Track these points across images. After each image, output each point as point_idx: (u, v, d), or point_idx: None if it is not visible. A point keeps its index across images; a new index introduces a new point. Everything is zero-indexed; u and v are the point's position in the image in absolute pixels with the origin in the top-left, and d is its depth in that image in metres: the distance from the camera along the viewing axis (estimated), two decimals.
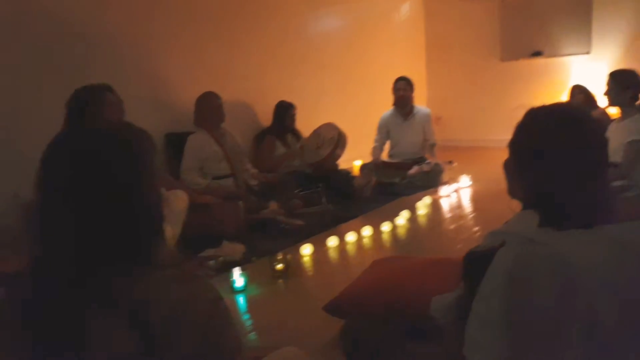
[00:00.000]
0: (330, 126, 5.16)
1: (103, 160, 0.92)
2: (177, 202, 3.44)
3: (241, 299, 2.74)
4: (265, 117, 5.33)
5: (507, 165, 1.19)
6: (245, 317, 2.57)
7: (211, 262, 3.09)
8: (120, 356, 0.84)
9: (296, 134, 5.34)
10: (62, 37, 3.81)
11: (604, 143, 1.15)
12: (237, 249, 3.28)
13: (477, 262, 1.04)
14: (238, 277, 2.77)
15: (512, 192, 1.19)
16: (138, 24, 4.30)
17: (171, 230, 3.28)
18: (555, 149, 1.09)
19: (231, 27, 5.10)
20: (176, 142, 4.33)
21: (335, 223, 4.10)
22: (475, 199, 4.77)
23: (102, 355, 0.84)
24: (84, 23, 3.91)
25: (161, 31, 4.47)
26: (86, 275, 0.88)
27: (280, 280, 3.00)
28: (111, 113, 3.04)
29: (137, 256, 0.93)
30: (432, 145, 5.68)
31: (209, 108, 4.22)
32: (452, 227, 4.04)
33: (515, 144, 1.18)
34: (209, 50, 4.89)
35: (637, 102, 3.44)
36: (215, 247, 3.32)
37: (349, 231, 3.71)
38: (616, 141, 3.36)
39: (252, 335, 2.37)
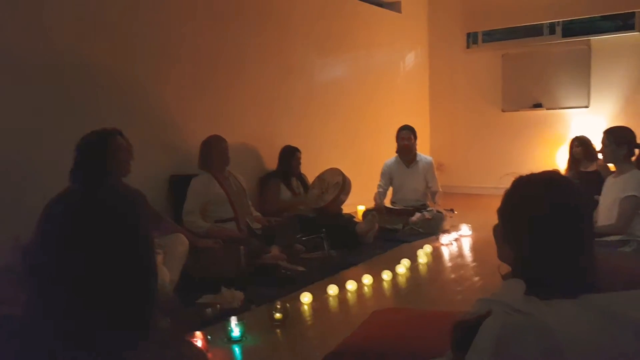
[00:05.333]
0: (334, 171, 5.21)
1: (105, 228, 0.93)
2: (177, 246, 3.46)
3: (237, 350, 2.72)
4: (271, 161, 5.39)
5: (496, 231, 1.22)
6: None
7: (208, 310, 3.06)
8: None
9: (301, 179, 5.39)
10: (79, 85, 3.89)
11: (589, 212, 1.17)
12: (235, 296, 3.26)
13: (465, 331, 1.05)
14: (235, 327, 2.76)
15: (502, 257, 1.21)
16: (150, 72, 4.40)
17: (170, 275, 3.29)
18: (540, 219, 1.11)
19: (239, 73, 5.20)
20: (180, 185, 4.36)
21: (337, 270, 4.09)
22: (476, 248, 4.77)
23: None
24: (101, 72, 4.01)
25: (170, 77, 4.57)
26: (85, 344, 0.89)
27: (278, 330, 2.98)
28: (121, 157, 3.11)
29: (133, 324, 0.94)
30: (434, 193, 5.72)
31: (214, 151, 4.28)
32: (452, 276, 4.03)
33: (502, 212, 1.20)
34: (216, 94, 4.97)
35: (633, 158, 3.48)
36: (214, 293, 3.30)
37: (350, 278, 3.71)
38: (612, 196, 3.39)
39: None
